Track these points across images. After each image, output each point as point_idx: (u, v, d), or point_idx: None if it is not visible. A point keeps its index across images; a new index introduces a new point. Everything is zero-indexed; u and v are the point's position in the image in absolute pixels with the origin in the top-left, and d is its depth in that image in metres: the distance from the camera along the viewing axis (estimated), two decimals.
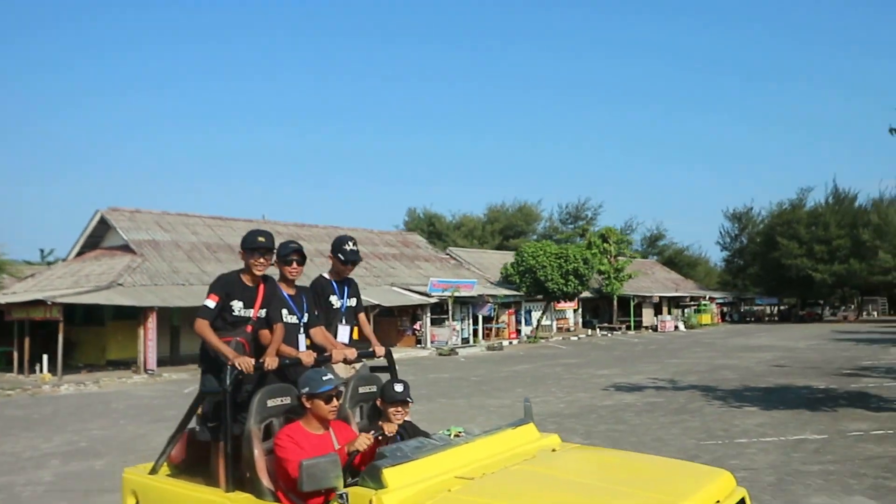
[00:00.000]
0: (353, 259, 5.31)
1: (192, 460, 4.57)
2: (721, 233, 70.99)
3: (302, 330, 4.86)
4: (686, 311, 55.11)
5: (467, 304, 33.67)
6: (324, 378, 3.83)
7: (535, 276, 35.69)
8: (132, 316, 22.63)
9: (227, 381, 3.94)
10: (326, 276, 5.36)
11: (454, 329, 32.18)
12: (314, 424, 3.86)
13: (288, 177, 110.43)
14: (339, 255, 5.27)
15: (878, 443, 9.56)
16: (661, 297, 51.93)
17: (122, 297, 21.16)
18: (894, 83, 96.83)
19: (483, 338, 35.17)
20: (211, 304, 4.45)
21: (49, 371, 20.86)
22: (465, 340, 33.34)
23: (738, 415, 12.09)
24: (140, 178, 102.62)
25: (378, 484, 3.14)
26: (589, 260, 36.82)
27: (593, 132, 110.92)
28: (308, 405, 3.84)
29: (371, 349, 5.06)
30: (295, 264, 4.92)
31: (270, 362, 4.24)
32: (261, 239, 4.55)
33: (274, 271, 4.92)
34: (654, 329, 48.19)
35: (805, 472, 8.05)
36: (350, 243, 5.33)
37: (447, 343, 30.62)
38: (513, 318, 38.40)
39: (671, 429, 10.91)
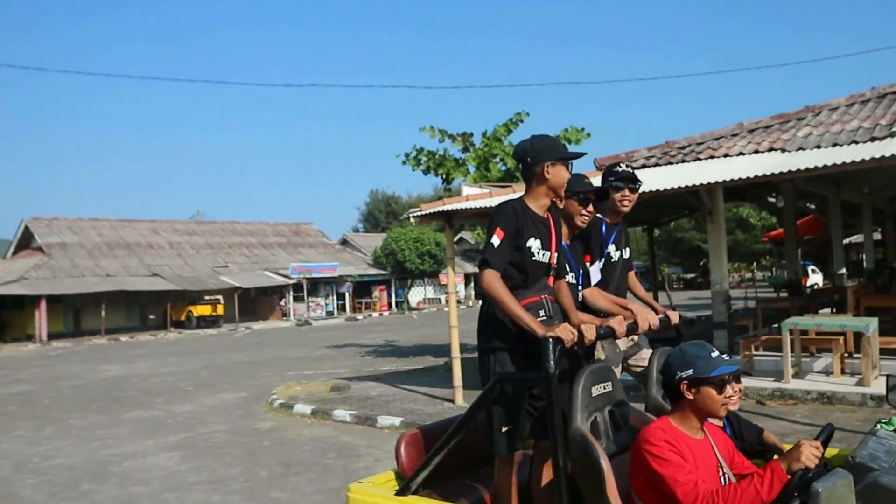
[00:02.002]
0: (629, 177, 3.92)
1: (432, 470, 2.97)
2: None
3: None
4: None
5: (331, 283, 41.75)
6: (713, 355, 2.49)
7: (396, 258, 43.62)
8: (47, 301, 30.82)
9: (551, 361, 2.53)
10: (599, 216, 3.90)
11: (318, 304, 40.38)
12: (691, 423, 2.52)
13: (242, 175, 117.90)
14: (612, 178, 3.91)
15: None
16: None
17: (22, 288, 29.41)
18: None
19: (353, 311, 43.29)
20: (498, 242, 2.97)
21: None
22: (330, 313, 41.50)
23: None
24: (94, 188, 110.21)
25: None
26: (441, 242, 44.60)
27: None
28: (689, 395, 2.47)
29: (660, 315, 3.49)
30: (592, 207, 3.55)
31: (589, 331, 2.80)
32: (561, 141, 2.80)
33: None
34: None
35: None
36: (622, 165, 3.97)
37: (304, 316, 38.81)
38: (384, 293, 46.43)
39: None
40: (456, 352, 10.19)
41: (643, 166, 11.01)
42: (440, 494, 3.02)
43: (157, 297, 35.96)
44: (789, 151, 9.08)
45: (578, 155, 3.24)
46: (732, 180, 7.84)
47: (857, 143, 8.50)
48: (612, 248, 3.95)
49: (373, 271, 44.76)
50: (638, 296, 4.14)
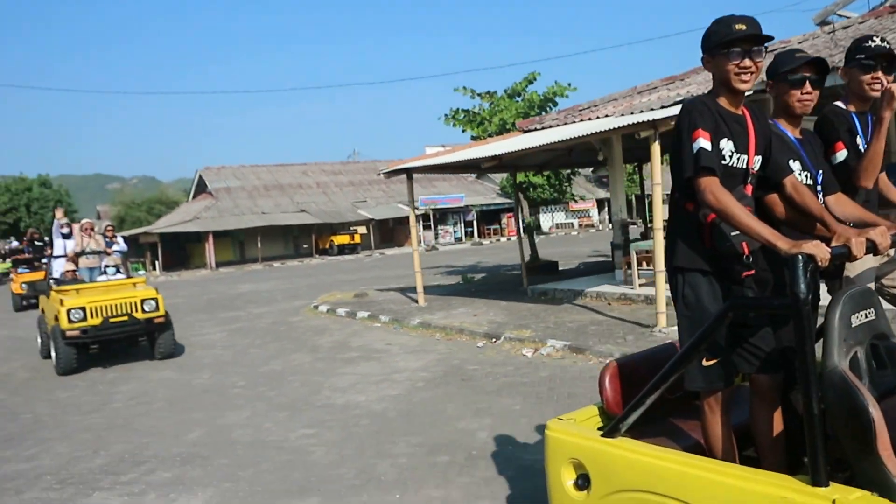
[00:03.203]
0: (885, 53, 3.12)
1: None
2: None
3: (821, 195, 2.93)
4: None
5: (459, 213, 46.00)
6: None
7: (521, 187, 46.85)
8: (217, 236, 37.78)
9: (802, 283, 2.08)
10: (840, 104, 3.31)
11: (447, 231, 44.98)
12: None
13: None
14: (860, 55, 3.15)
15: None
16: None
17: (195, 226, 36.28)
18: None
19: (480, 237, 47.45)
20: (706, 144, 2.53)
21: (164, 271, 36.66)
22: (458, 239, 45.92)
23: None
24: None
25: None
26: (561, 171, 47.18)
27: None
28: None
29: None
30: (808, 86, 2.85)
31: (858, 246, 2.32)
32: (740, 27, 2.54)
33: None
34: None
35: None
36: (875, 39, 3.13)
37: (431, 242, 43.50)
38: (511, 220, 49.95)
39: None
40: (417, 267, 13.84)
41: (553, 126, 13.73)
42: (647, 437, 2.65)
43: (308, 229, 42.04)
44: (615, 116, 11.50)
45: (739, 40, 2.55)
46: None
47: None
48: (858, 141, 3.22)
49: (500, 200, 48.37)
50: (894, 201, 3.38)
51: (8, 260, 28.68)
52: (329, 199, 43.58)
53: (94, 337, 9.79)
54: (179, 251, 39.63)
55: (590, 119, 12.31)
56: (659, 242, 8.83)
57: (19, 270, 21.57)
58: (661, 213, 8.94)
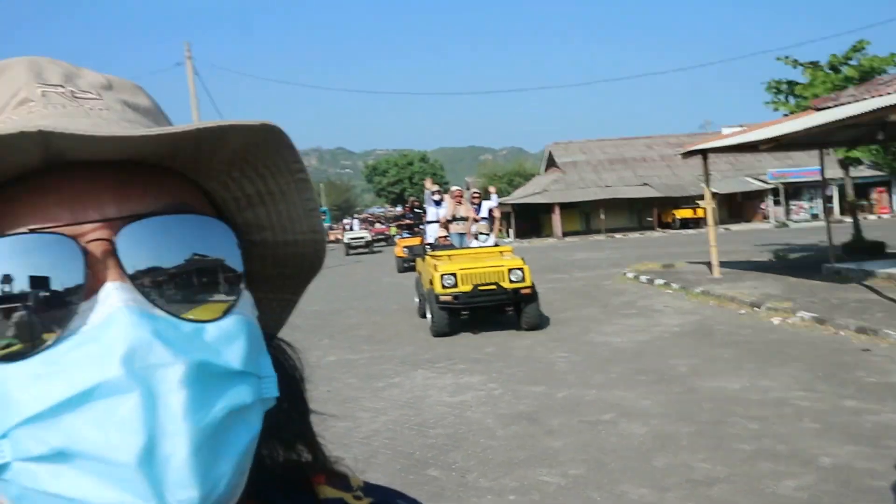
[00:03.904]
0: None
1: None
2: None
3: None
4: None
5: (816, 187, 43.17)
6: None
7: (843, 163, 42.43)
8: (564, 207, 41.33)
9: None
10: None
11: (800, 207, 42.70)
12: None
13: None
14: None
15: None
16: None
17: (542, 198, 40.07)
18: None
19: (842, 213, 43.99)
20: None
21: (517, 238, 41.17)
22: (815, 216, 43.21)
23: None
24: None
25: None
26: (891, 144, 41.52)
27: None
28: None
29: None
30: None
31: None
32: None
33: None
34: None
35: None
36: None
37: (781, 219, 41.73)
38: (884, 195, 45.23)
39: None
40: (712, 241, 15.06)
41: (846, 103, 13.57)
42: None
43: (651, 202, 43.42)
44: None
45: None
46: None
47: None
48: None
49: (869, 173, 44.24)
50: None
51: (393, 225, 35.10)
52: (673, 173, 44.33)
53: (465, 303, 9.99)
54: (531, 220, 44.05)
55: (880, 95, 12.30)
56: None
57: (403, 235, 26.31)
58: None
